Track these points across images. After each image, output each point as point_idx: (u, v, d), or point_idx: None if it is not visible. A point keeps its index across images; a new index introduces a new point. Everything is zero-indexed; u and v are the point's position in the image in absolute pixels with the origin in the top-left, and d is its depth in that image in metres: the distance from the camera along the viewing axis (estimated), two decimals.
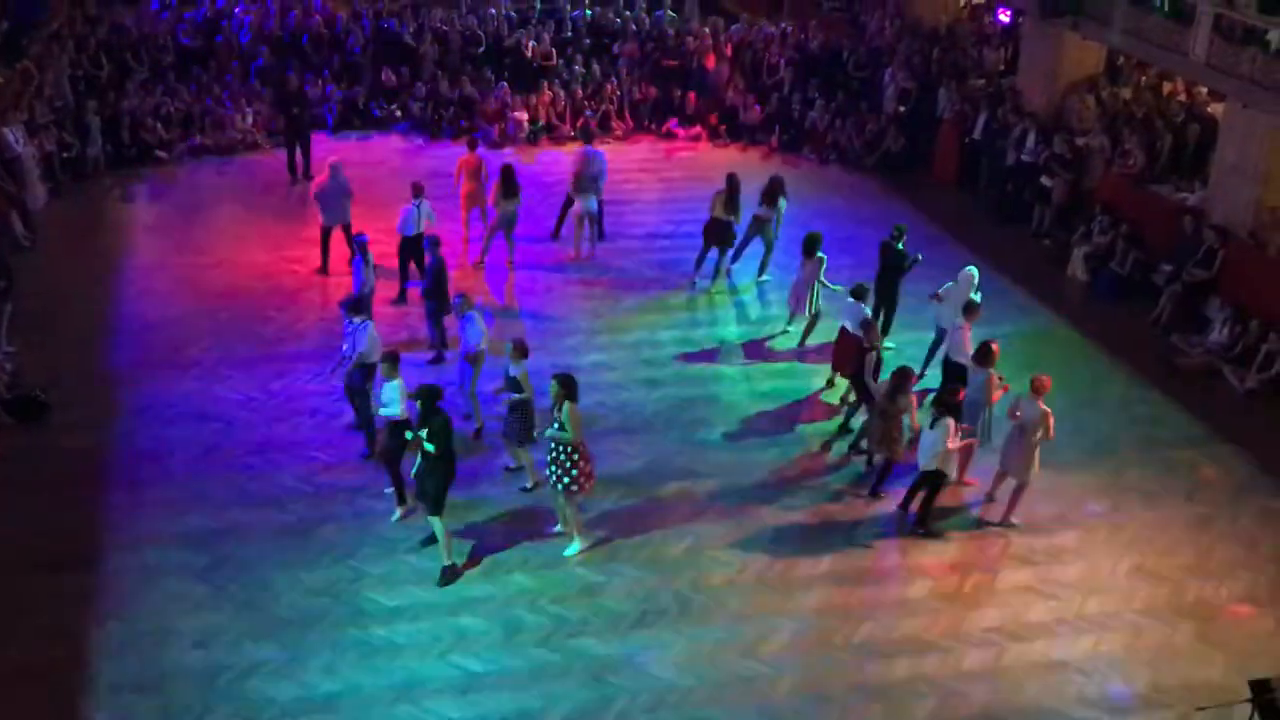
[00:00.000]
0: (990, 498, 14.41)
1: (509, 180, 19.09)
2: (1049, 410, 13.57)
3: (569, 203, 20.45)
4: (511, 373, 13.66)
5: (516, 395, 13.71)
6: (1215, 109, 21.18)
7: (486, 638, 12.06)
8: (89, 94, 23.46)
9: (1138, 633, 12.59)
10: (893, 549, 13.70)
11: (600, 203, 20.26)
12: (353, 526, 13.53)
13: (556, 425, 12.65)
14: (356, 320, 14.35)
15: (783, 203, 19.22)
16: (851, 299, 15.83)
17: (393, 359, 13.35)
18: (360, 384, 14.40)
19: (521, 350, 13.69)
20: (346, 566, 12.91)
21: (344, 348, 14.55)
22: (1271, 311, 17.45)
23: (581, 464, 12.88)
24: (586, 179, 19.93)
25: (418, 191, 17.97)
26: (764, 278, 19.66)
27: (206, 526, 13.38)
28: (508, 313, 18.31)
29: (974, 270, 16.42)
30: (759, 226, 19.37)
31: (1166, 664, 12.20)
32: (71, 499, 13.73)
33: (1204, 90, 21.74)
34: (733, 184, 19.14)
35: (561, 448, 12.76)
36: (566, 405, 12.59)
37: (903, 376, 14.16)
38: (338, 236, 18.85)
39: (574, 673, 11.69)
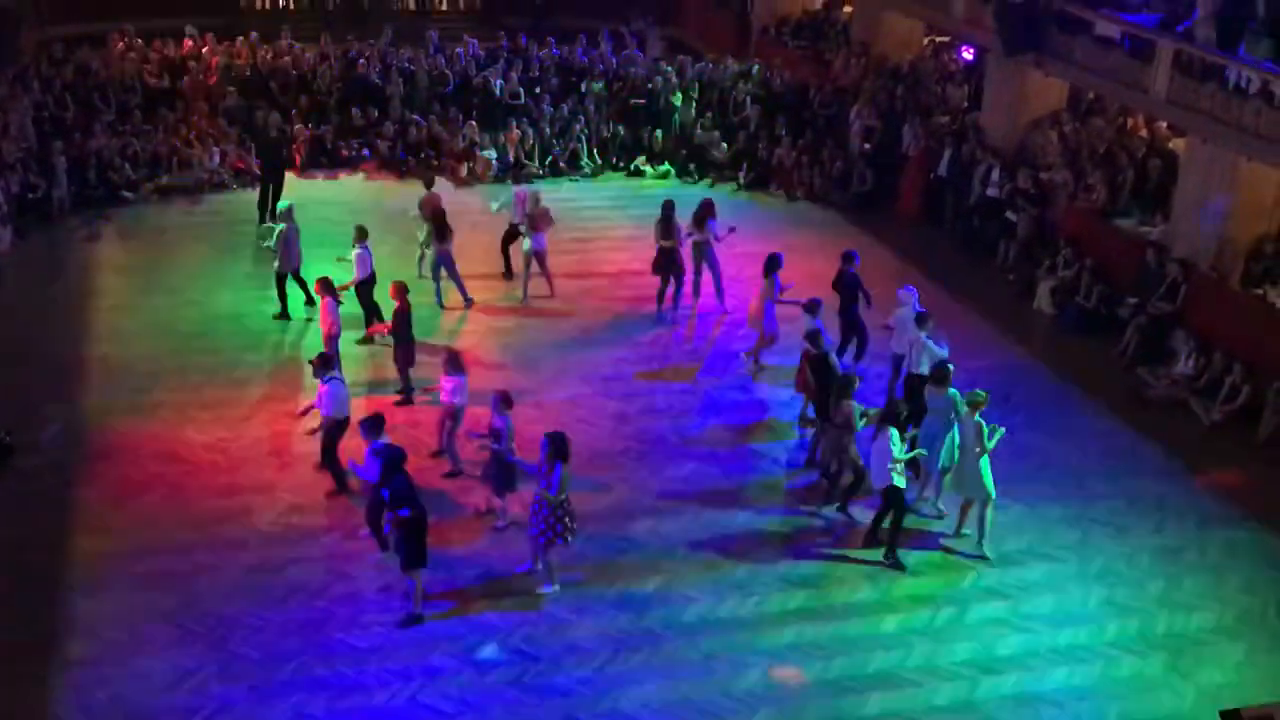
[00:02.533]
0: (958, 532, 14.45)
1: (441, 223, 19.15)
2: (982, 423, 13.79)
3: (511, 240, 20.53)
4: (495, 424, 13.68)
5: (497, 445, 13.72)
6: (1176, 144, 21.43)
7: (457, 677, 11.97)
8: (55, 135, 23.39)
9: (1109, 664, 12.61)
10: (865, 584, 13.69)
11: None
12: (321, 567, 13.43)
13: (545, 485, 12.70)
14: (324, 378, 14.39)
15: (713, 223, 19.43)
16: (805, 313, 16.29)
17: (375, 422, 13.15)
18: (334, 439, 14.48)
19: (506, 401, 13.73)
20: (315, 607, 12.81)
21: (316, 401, 14.61)
22: (1235, 343, 17.62)
23: (566, 520, 12.90)
24: (535, 217, 19.91)
25: (363, 235, 17.99)
26: (726, 313, 19.80)
27: (174, 568, 13.25)
28: (481, 355, 18.31)
29: (909, 290, 16.83)
30: (699, 251, 19.62)
31: (1138, 696, 12.22)
32: (37, 542, 13.57)
33: (1164, 125, 22.01)
34: (665, 208, 19.46)
35: (549, 506, 12.78)
36: (560, 467, 12.65)
37: (846, 383, 14.56)
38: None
39: (546, 712, 11.61)
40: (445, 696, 11.72)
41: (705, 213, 19.44)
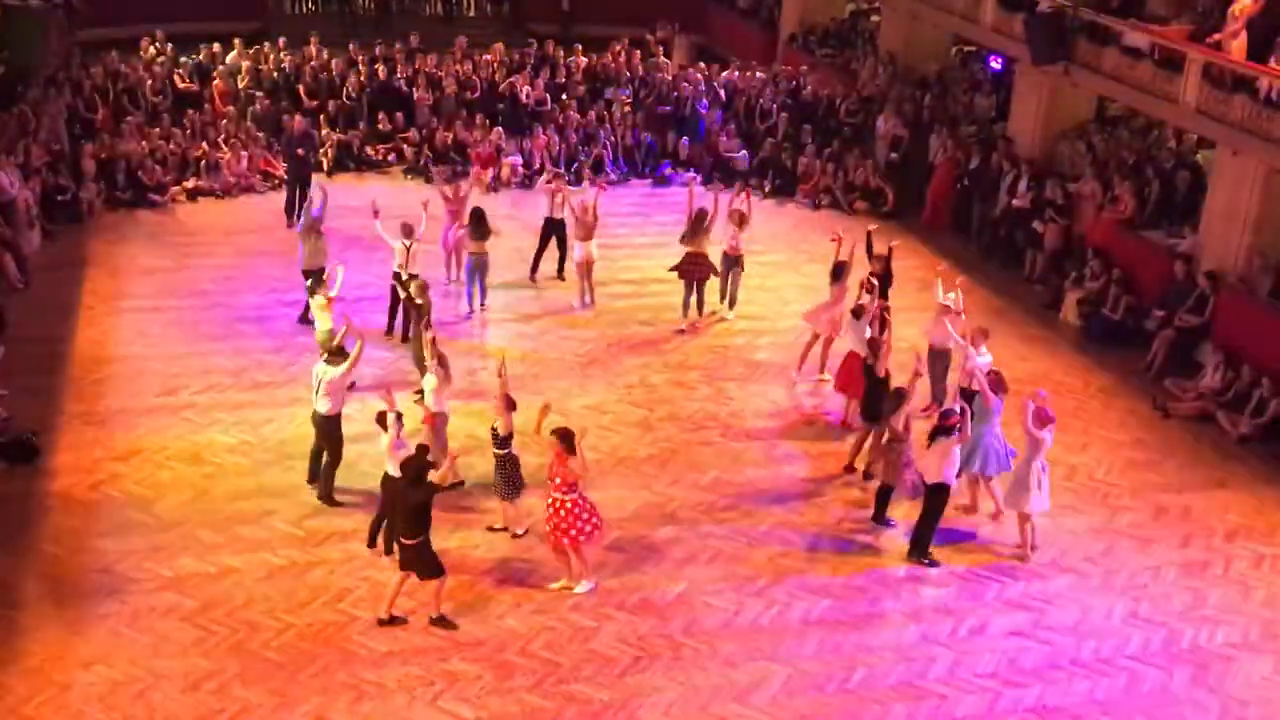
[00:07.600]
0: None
1: (480, 224, 19.11)
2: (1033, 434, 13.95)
3: (547, 244, 20.58)
4: (497, 426, 13.72)
5: (501, 450, 13.73)
6: (1204, 156, 21.28)
7: (478, 682, 11.96)
8: (84, 137, 23.56)
9: (1133, 678, 12.53)
10: (888, 594, 13.63)
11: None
12: (343, 570, 13.45)
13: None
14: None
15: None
16: (853, 318, 16.29)
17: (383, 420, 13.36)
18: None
19: (509, 404, 13.73)
20: (336, 610, 12.83)
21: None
22: (1263, 356, 17.50)
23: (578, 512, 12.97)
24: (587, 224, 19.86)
25: (408, 232, 18.09)
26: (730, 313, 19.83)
27: (196, 570, 13.31)
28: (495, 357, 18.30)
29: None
30: (730, 262, 19.57)
31: (1163, 710, 12.12)
32: (62, 542, 13.64)
33: (1194, 137, 21.88)
34: (700, 216, 19.25)
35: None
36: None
37: (900, 397, 14.37)
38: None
39: (566, 718, 11.60)
40: (466, 701, 11.71)
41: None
